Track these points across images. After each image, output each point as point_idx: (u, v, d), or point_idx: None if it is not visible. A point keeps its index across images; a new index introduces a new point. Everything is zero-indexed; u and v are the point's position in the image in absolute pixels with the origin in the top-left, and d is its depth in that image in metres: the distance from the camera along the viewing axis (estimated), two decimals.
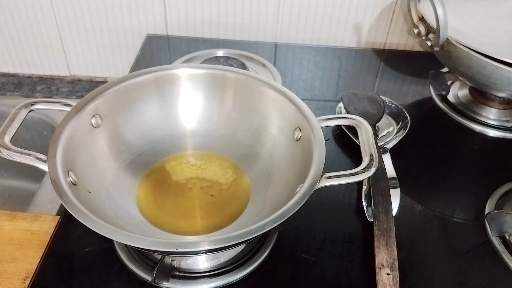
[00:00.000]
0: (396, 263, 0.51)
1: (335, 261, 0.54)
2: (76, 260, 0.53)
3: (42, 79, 1.01)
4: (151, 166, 0.59)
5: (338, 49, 0.98)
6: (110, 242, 0.54)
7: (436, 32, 0.69)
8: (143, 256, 0.53)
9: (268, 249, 0.54)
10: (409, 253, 0.56)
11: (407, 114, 0.74)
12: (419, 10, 0.77)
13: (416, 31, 0.77)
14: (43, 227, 0.59)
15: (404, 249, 0.55)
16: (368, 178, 0.60)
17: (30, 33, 0.95)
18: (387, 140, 0.71)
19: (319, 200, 0.60)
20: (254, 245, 0.54)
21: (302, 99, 0.56)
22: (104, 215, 0.47)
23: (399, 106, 0.76)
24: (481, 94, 0.81)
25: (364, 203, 0.61)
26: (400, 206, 0.61)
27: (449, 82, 0.85)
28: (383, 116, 0.73)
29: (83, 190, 0.48)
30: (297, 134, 0.55)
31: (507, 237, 0.57)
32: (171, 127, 0.62)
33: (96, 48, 0.98)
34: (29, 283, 0.51)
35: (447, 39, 0.69)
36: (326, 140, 0.53)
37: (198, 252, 0.45)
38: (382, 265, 0.51)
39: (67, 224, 0.57)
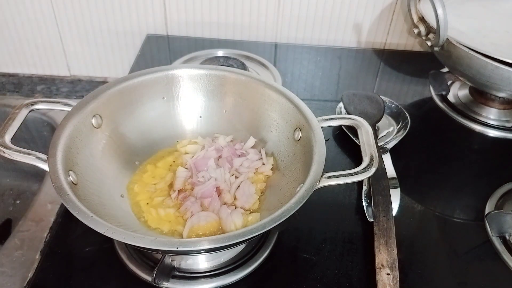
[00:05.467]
0: (396, 263, 0.51)
1: (335, 261, 0.54)
2: (76, 260, 0.53)
3: (42, 79, 1.01)
4: (151, 166, 0.59)
5: (338, 49, 0.98)
6: (110, 242, 0.54)
7: (436, 32, 0.69)
8: (143, 256, 0.53)
9: (268, 249, 0.54)
10: (409, 253, 0.56)
11: (407, 114, 0.74)
12: (419, 10, 0.77)
13: (416, 31, 0.77)
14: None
15: (404, 249, 0.55)
16: (368, 178, 0.60)
17: (30, 33, 0.95)
18: (387, 140, 0.71)
19: (319, 200, 0.60)
20: (254, 245, 0.54)
21: (302, 99, 0.56)
22: (104, 215, 0.47)
23: (399, 106, 0.76)
24: (481, 94, 0.81)
25: (364, 203, 0.61)
26: (400, 206, 0.61)
27: (449, 82, 0.86)
28: (383, 116, 0.74)
29: (84, 190, 0.48)
30: (297, 134, 0.55)
31: (507, 237, 0.57)
32: (171, 127, 0.62)
33: (96, 48, 0.98)
34: (29, 283, 0.51)
35: (447, 39, 0.69)
36: (326, 140, 0.53)
37: (198, 251, 0.45)
38: (382, 265, 0.51)
39: (67, 224, 0.57)
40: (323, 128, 0.53)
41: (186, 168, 0.58)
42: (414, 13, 0.78)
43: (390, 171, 0.65)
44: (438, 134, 0.77)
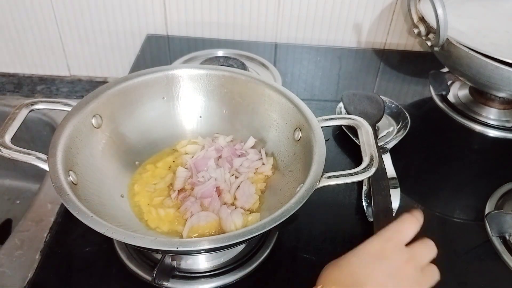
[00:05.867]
0: None
1: None
2: (76, 260, 0.54)
3: (42, 79, 1.01)
4: (151, 166, 0.59)
5: (338, 49, 0.98)
6: (110, 242, 0.54)
7: (436, 32, 0.69)
8: (143, 256, 0.53)
9: (268, 249, 0.54)
10: None
11: (407, 114, 0.74)
12: (419, 10, 0.77)
13: (416, 31, 0.77)
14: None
15: None
16: (368, 178, 0.60)
17: (30, 33, 0.95)
18: (387, 140, 0.71)
19: (319, 200, 0.60)
20: (254, 245, 0.54)
21: (302, 99, 0.56)
22: (104, 215, 0.47)
23: (399, 106, 0.76)
24: (481, 94, 0.81)
25: (364, 203, 0.61)
26: (400, 206, 0.61)
27: (449, 82, 0.86)
28: (383, 116, 0.73)
29: (84, 190, 0.48)
30: (297, 134, 0.55)
31: (507, 237, 0.57)
32: (171, 127, 0.62)
33: (96, 48, 0.98)
34: (29, 283, 0.51)
35: (447, 39, 0.69)
36: (326, 140, 0.53)
37: (198, 251, 0.45)
38: None
39: (67, 224, 0.57)
40: (323, 128, 0.52)
41: (186, 168, 0.58)
42: (414, 13, 0.78)
43: (390, 171, 0.65)
44: (438, 134, 0.77)
